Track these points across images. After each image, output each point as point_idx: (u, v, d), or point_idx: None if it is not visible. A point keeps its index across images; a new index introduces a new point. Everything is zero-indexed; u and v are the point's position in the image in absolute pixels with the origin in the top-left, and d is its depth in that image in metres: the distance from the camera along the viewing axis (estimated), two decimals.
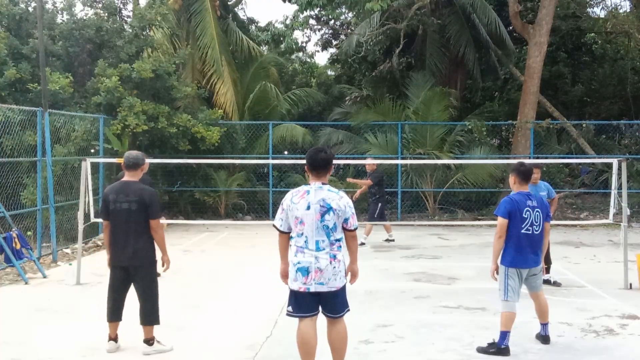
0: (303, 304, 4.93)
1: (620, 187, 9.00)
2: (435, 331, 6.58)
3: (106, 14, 15.62)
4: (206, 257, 11.46)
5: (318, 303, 4.97)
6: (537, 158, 16.93)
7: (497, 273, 6.00)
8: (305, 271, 4.85)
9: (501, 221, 5.95)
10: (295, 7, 20.35)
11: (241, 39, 19.61)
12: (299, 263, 4.88)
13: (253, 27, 24.25)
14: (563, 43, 22.08)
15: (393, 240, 12.91)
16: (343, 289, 4.99)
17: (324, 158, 5.01)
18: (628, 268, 8.73)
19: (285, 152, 18.51)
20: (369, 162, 12.86)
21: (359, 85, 23.61)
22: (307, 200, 4.90)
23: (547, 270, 8.78)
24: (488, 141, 18.52)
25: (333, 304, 4.95)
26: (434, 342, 6.22)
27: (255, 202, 17.60)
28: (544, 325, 6.18)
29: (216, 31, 18.34)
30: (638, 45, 20.76)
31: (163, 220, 9.76)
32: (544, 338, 6.15)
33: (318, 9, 20.53)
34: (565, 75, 22.12)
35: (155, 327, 6.00)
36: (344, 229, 4.98)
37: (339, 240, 4.94)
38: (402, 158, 16.95)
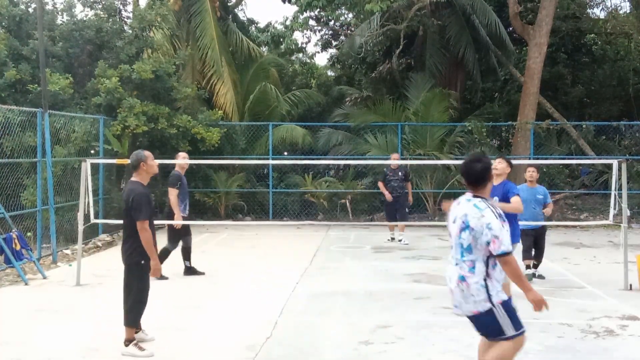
0: None
1: (620, 188, 9.00)
2: (436, 332, 6.58)
3: (106, 15, 15.62)
4: (206, 258, 11.43)
5: None
6: (537, 159, 16.93)
7: None
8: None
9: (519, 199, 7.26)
10: (295, 8, 20.39)
11: (241, 40, 19.63)
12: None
13: (253, 28, 24.25)
14: (563, 44, 22.07)
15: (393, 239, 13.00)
16: (484, 315, 4.29)
17: (479, 169, 4.44)
18: (628, 269, 8.73)
19: (285, 153, 18.49)
20: (396, 159, 13.11)
21: (358, 86, 23.59)
22: (455, 213, 4.49)
23: (536, 266, 9.21)
24: (488, 142, 18.50)
25: (476, 326, 4.48)
26: (434, 343, 6.22)
27: (255, 203, 17.59)
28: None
29: (216, 32, 18.36)
30: (638, 47, 20.77)
31: (161, 221, 9.82)
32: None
33: (318, 9, 20.54)
34: (565, 76, 22.11)
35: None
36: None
37: (472, 261, 4.29)
38: (402, 159, 16.93)
